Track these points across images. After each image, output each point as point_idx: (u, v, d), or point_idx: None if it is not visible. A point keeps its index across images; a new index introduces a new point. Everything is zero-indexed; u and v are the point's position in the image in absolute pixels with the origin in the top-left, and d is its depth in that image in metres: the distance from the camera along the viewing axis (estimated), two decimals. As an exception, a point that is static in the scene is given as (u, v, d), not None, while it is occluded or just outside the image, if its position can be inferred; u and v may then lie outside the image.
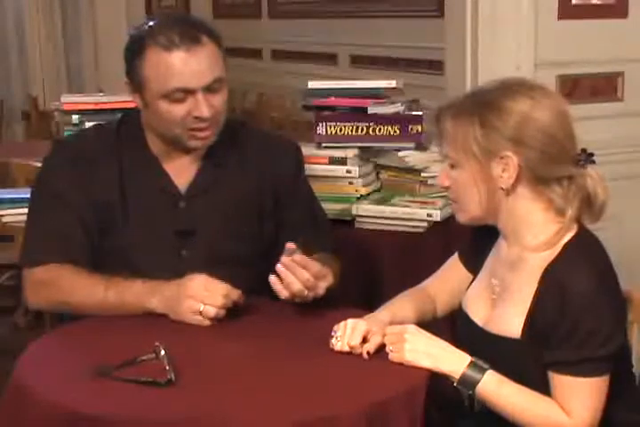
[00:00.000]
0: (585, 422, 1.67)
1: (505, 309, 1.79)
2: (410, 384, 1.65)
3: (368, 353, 1.75)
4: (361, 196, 2.82)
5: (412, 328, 1.76)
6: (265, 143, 2.25)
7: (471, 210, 1.81)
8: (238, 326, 1.92)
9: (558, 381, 1.69)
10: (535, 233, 1.76)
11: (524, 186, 1.75)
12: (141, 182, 2.13)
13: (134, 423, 1.51)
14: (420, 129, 2.83)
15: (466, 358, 1.72)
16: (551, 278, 1.70)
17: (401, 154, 2.84)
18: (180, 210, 2.14)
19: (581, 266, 1.69)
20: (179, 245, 2.13)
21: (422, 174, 2.80)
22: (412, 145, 2.85)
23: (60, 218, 2.10)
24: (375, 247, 2.65)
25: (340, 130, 2.85)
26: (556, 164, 1.73)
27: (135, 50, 2.04)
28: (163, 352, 1.68)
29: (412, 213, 2.70)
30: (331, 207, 2.63)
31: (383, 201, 2.78)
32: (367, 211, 2.74)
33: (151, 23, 2.07)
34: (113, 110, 2.84)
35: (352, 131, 2.84)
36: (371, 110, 2.82)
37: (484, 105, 1.74)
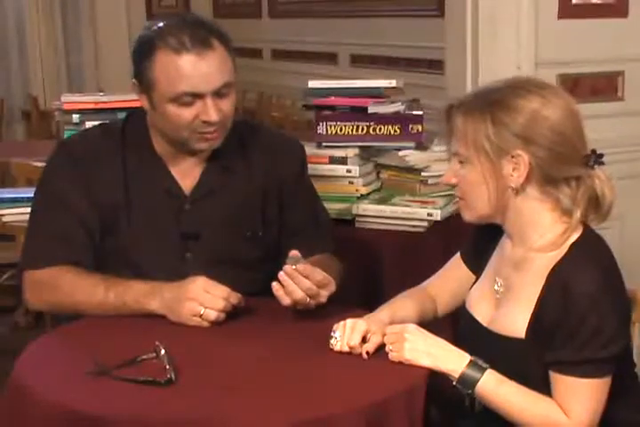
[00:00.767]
0: (583, 424, 1.66)
1: (509, 308, 1.79)
2: (409, 384, 1.64)
3: (367, 353, 1.74)
4: (361, 195, 2.82)
5: (412, 327, 1.76)
6: (270, 143, 2.24)
7: (479, 208, 1.80)
8: (238, 326, 1.92)
9: (559, 381, 1.68)
10: (541, 233, 1.75)
11: (532, 186, 1.74)
12: (146, 183, 2.12)
13: (134, 423, 1.51)
14: (420, 128, 2.83)
15: (465, 358, 1.71)
16: (557, 279, 1.69)
17: (401, 153, 2.83)
18: (185, 212, 2.13)
19: (587, 266, 1.69)
20: (183, 247, 2.12)
21: (423, 174, 2.79)
22: (412, 144, 2.85)
23: (62, 219, 2.09)
24: (375, 247, 2.65)
25: (341, 129, 2.84)
26: (566, 164, 1.72)
27: (144, 51, 2.01)
28: (163, 352, 1.68)
29: (413, 213, 2.69)
30: (331, 207, 2.62)
31: (383, 201, 2.78)
32: (367, 210, 2.74)
33: (161, 24, 2.03)
34: (113, 110, 2.84)
35: (352, 130, 2.84)
36: (371, 110, 2.82)
37: (496, 103, 1.73)
